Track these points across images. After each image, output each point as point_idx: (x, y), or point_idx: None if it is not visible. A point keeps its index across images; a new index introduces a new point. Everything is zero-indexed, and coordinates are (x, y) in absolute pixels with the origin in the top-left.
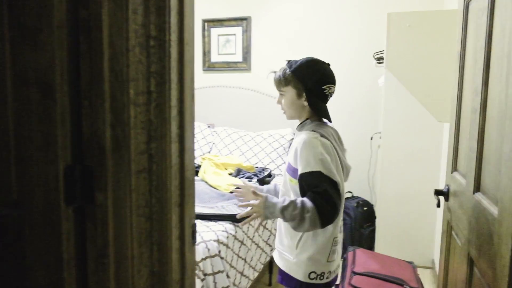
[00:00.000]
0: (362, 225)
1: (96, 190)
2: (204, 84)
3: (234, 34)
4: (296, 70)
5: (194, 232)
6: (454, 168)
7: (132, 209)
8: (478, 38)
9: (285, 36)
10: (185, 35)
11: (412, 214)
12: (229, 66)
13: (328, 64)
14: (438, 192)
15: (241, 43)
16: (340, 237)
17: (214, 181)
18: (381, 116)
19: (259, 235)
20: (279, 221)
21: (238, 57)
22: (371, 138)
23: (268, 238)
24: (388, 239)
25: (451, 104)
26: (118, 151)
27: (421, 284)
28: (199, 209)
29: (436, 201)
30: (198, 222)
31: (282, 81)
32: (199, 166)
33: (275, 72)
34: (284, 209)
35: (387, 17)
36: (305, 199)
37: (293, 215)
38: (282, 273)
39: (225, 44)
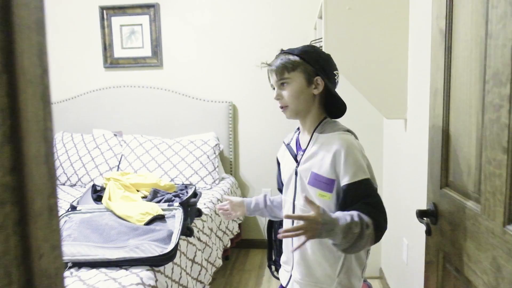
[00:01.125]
0: None
1: None
2: (107, 84)
3: (140, 24)
4: (302, 52)
5: None
6: (445, 183)
7: None
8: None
9: (201, 25)
10: None
11: None
12: (136, 62)
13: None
14: (423, 214)
15: (149, 35)
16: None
17: (122, 210)
18: None
19: (187, 274)
20: (297, 251)
21: (147, 52)
22: None
23: (199, 274)
24: None
25: (432, 98)
26: None
27: None
28: (102, 251)
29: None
30: (101, 273)
31: (287, 66)
32: (102, 189)
33: (267, 64)
34: (349, 227)
35: None
36: (359, 212)
37: (354, 234)
38: None
39: (130, 36)
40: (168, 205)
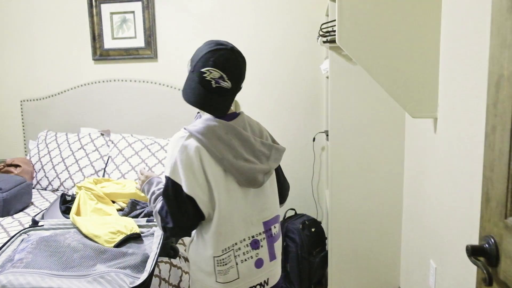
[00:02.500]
0: (311, 251)
1: None
2: (96, 78)
3: (133, 12)
4: None
5: None
6: None
7: None
8: None
9: (200, 13)
10: None
11: (371, 233)
12: (128, 54)
13: (231, 49)
14: (476, 251)
15: (142, 24)
16: (231, 260)
17: (90, 227)
18: (324, 111)
19: None
20: None
21: (140, 42)
22: (314, 139)
23: None
24: (343, 266)
25: (493, 89)
26: None
27: None
28: (58, 282)
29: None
30: None
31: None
32: (73, 200)
33: None
34: (151, 197)
35: None
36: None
37: (152, 207)
38: None
39: (121, 25)
40: (147, 221)
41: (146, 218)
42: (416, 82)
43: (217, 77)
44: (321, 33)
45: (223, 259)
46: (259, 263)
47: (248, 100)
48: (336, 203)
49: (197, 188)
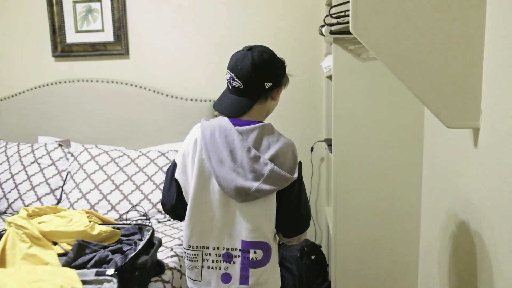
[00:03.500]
0: (311, 284)
1: None
2: (56, 78)
3: (99, 0)
4: None
5: None
6: None
7: None
8: None
9: (179, 5)
10: None
11: (384, 260)
12: (94, 50)
13: (248, 50)
14: None
15: (110, 15)
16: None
17: (14, 285)
18: (324, 117)
19: None
20: None
21: (108, 36)
22: (311, 149)
23: None
24: None
25: None
26: None
27: None
28: None
29: None
30: None
31: None
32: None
33: None
34: None
35: None
36: None
37: None
38: None
39: (87, 16)
40: (97, 273)
41: (96, 269)
42: (454, 83)
43: (228, 78)
44: (328, 21)
45: (189, 254)
46: (226, 278)
47: None
48: (341, 224)
49: (181, 175)
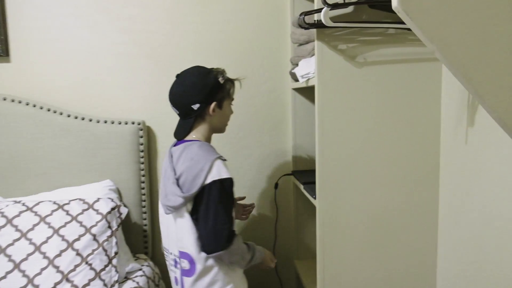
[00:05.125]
0: None
1: None
2: None
3: None
4: None
5: None
6: None
7: None
8: None
9: None
10: None
11: None
12: None
13: (176, 75)
14: None
15: None
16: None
17: None
18: (291, 143)
19: None
20: None
21: None
22: (276, 186)
23: None
24: None
25: None
26: None
27: None
28: None
29: None
30: None
31: None
32: None
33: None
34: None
35: None
36: None
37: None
38: None
39: None
40: None
41: None
42: None
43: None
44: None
45: (164, 254)
46: (175, 281)
47: (163, 126)
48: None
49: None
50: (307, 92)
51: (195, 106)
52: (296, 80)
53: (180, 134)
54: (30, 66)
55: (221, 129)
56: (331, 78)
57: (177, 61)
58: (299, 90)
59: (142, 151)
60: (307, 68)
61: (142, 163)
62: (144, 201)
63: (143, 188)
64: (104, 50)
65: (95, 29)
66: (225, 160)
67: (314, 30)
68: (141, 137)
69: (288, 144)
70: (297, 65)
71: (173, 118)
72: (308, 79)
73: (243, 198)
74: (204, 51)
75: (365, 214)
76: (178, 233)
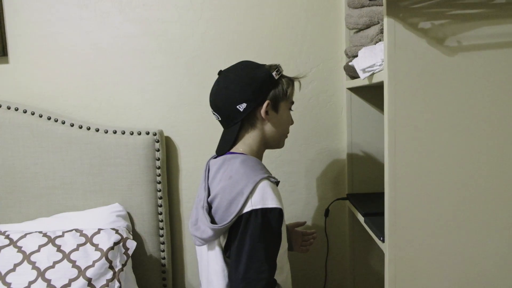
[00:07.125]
0: None
1: None
2: None
3: None
4: None
5: None
6: None
7: None
8: None
9: None
10: None
11: None
12: None
13: (218, 74)
14: None
15: None
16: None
17: None
18: (346, 161)
19: None
20: None
21: None
22: (327, 213)
23: None
24: None
25: None
26: None
27: None
28: None
29: None
30: None
31: None
32: None
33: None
34: None
35: None
36: None
37: None
38: None
39: None
40: None
41: None
42: None
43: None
44: None
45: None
46: None
47: (183, 136)
48: None
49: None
50: (369, 92)
51: (241, 107)
52: (354, 76)
53: (223, 149)
54: (29, 66)
55: (278, 141)
56: (407, 71)
57: (203, 56)
58: (356, 90)
59: (159, 168)
60: (370, 59)
61: (159, 183)
62: (162, 229)
63: (160, 214)
64: (113, 45)
65: (102, 20)
66: (276, 181)
67: (379, 7)
68: (158, 150)
69: (342, 160)
70: (354, 57)
71: (199, 126)
72: (373, 74)
73: (303, 223)
74: (235, 43)
75: (459, 268)
76: (209, 272)
